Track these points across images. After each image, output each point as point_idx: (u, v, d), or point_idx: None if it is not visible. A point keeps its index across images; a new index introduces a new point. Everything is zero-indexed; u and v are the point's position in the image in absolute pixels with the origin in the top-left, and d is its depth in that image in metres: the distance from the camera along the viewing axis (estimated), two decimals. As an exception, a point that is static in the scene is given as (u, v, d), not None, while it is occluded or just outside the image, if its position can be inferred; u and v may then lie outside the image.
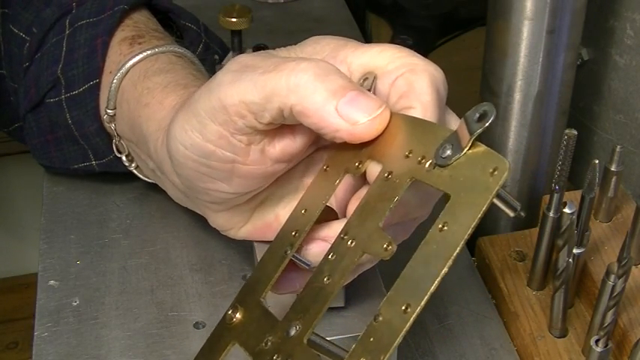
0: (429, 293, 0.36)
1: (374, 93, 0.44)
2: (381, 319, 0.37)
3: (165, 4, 0.66)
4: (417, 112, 0.42)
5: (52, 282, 0.59)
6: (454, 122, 0.45)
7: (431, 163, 0.39)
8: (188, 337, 0.55)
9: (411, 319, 0.36)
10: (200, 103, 0.45)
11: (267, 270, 0.45)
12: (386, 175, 0.41)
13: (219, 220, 0.52)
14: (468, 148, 0.38)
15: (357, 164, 0.43)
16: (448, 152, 0.39)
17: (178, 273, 0.60)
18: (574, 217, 0.51)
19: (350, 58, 0.45)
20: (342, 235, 0.42)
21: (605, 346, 0.50)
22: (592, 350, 0.51)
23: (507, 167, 0.36)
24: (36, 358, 0.54)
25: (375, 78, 0.44)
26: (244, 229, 0.52)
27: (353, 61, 0.45)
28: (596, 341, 0.50)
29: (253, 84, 0.43)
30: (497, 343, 0.56)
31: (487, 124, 0.37)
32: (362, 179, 0.46)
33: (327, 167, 0.45)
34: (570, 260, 0.52)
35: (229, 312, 0.45)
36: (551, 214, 0.54)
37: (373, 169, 0.42)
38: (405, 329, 0.36)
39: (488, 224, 0.69)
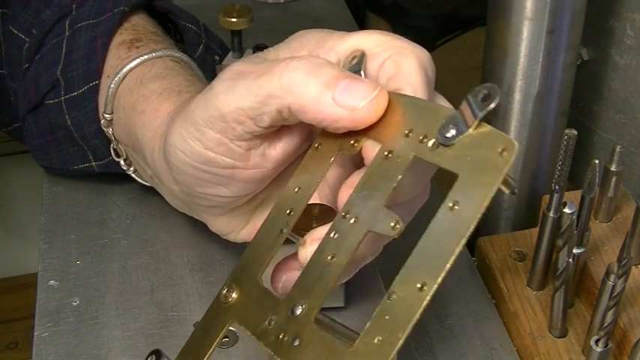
0: (444, 271, 0.36)
1: (364, 72, 0.44)
2: (395, 297, 0.37)
3: (165, 6, 0.66)
4: (407, 94, 0.42)
5: (52, 282, 0.59)
6: (443, 103, 0.45)
7: (434, 143, 0.39)
8: (188, 337, 0.55)
9: (428, 297, 0.36)
10: (197, 112, 0.45)
11: (262, 249, 0.44)
12: (385, 153, 0.41)
13: (218, 224, 0.53)
14: (473, 128, 0.38)
15: (352, 142, 0.43)
16: (452, 132, 0.38)
17: (178, 273, 0.60)
18: (574, 217, 0.51)
19: (337, 46, 0.45)
20: (342, 214, 0.41)
21: (605, 346, 0.50)
22: (592, 350, 0.51)
23: (516, 147, 0.36)
24: (36, 358, 0.54)
25: (364, 56, 0.44)
26: (244, 231, 0.52)
27: (340, 48, 0.45)
28: (596, 341, 0.50)
29: (248, 90, 0.43)
30: (497, 343, 0.56)
31: (493, 105, 0.37)
32: (353, 165, 0.45)
33: (319, 145, 0.44)
34: (570, 260, 0.52)
35: (224, 291, 0.45)
36: (551, 214, 0.54)
37: (371, 148, 0.42)
38: (422, 307, 0.36)
39: (488, 224, 0.69)
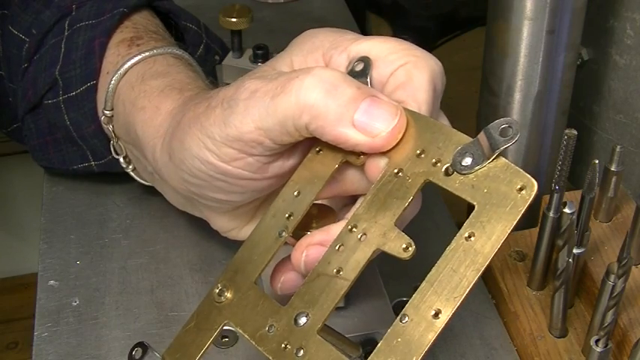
0: (460, 301, 0.37)
1: (370, 80, 0.43)
2: (407, 320, 0.38)
3: (166, 6, 0.66)
4: (411, 109, 0.42)
5: (52, 282, 0.59)
6: (443, 120, 0.45)
7: (447, 168, 0.39)
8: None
9: (443, 324, 0.37)
10: (215, 129, 0.45)
11: (259, 250, 0.44)
12: (395, 171, 0.41)
13: (221, 222, 0.52)
14: (491, 160, 0.38)
15: (358, 154, 0.42)
16: (468, 160, 0.39)
17: (178, 273, 0.60)
18: (574, 217, 0.51)
19: (350, 48, 0.45)
20: (349, 227, 0.41)
21: (605, 346, 0.50)
22: (592, 350, 0.51)
23: (535, 187, 0.37)
24: (36, 358, 0.54)
25: (370, 63, 0.43)
26: (247, 228, 0.52)
27: (353, 50, 0.44)
28: (596, 341, 0.50)
29: (266, 111, 0.42)
30: (497, 343, 0.56)
31: (515, 141, 0.37)
32: (343, 173, 0.45)
33: (320, 149, 0.44)
34: (570, 260, 0.52)
35: (216, 290, 0.44)
36: (551, 214, 0.54)
37: (379, 163, 0.42)
38: (437, 333, 0.37)
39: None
